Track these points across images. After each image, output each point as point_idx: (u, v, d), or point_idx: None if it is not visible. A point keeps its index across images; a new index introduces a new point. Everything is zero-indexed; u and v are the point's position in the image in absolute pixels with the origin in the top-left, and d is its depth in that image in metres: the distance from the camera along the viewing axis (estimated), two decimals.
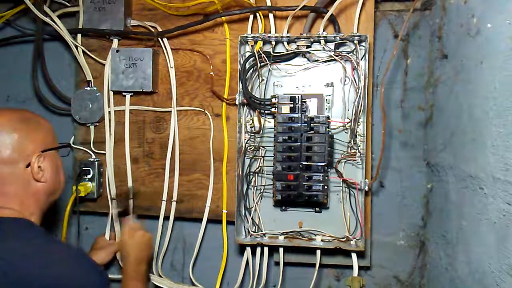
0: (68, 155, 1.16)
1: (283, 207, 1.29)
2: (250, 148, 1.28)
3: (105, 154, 1.41)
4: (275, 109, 1.21)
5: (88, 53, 1.42)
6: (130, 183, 1.40)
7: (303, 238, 1.26)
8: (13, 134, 0.95)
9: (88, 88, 1.42)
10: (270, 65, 1.25)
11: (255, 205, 1.29)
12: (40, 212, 1.00)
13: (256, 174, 1.29)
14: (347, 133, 1.24)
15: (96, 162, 1.40)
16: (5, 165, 0.94)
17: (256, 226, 1.29)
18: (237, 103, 1.25)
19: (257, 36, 1.24)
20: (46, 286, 0.82)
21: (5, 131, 0.95)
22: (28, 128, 0.99)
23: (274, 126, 1.22)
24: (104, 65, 1.40)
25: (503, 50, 0.83)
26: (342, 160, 1.24)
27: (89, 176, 1.39)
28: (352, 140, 1.22)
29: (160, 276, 1.42)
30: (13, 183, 0.95)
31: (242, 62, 1.24)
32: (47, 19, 1.39)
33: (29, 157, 0.97)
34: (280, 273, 1.30)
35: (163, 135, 1.41)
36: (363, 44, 1.21)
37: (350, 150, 1.23)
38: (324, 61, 1.25)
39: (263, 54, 1.23)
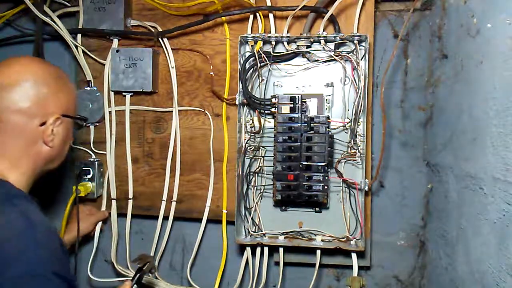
0: (79, 129, 1.09)
1: (283, 207, 1.29)
2: (250, 148, 1.28)
3: (105, 154, 1.41)
4: (275, 109, 1.21)
5: (88, 53, 1.42)
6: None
7: (303, 238, 1.26)
8: (41, 87, 0.90)
9: (88, 88, 1.42)
10: (270, 65, 1.25)
11: (255, 205, 1.29)
12: (31, 176, 0.93)
13: (256, 174, 1.29)
14: (347, 133, 1.24)
15: (96, 162, 1.40)
16: (20, 115, 0.88)
17: (256, 226, 1.29)
18: (237, 103, 1.25)
19: (257, 36, 1.24)
20: None
21: (34, 81, 0.89)
22: (57, 86, 0.93)
23: (274, 126, 1.22)
24: (104, 65, 1.40)
25: (503, 50, 0.83)
26: (342, 160, 1.24)
27: (89, 176, 1.39)
28: (352, 140, 1.22)
29: (156, 278, 1.41)
30: (19, 137, 0.89)
31: (242, 62, 1.24)
32: (47, 19, 1.39)
33: (47, 116, 0.91)
34: (280, 273, 1.30)
35: (163, 135, 1.41)
36: (363, 44, 1.21)
37: (350, 150, 1.23)
38: (324, 61, 1.25)
39: (263, 54, 1.23)
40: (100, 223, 1.43)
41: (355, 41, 1.20)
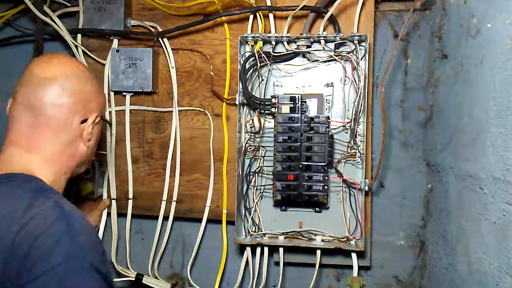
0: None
1: (283, 207, 1.29)
2: (250, 148, 1.28)
3: (105, 154, 1.41)
4: (275, 109, 1.21)
5: (88, 53, 1.42)
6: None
7: (303, 238, 1.26)
8: (85, 83, 0.89)
9: None
10: (270, 65, 1.25)
11: (255, 205, 1.28)
12: (62, 178, 0.89)
13: (256, 174, 1.29)
14: (347, 133, 1.24)
15: (96, 162, 1.40)
16: (63, 110, 0.86)
17: (256, 226, 1.29)
18: (237, 103, 1.25)
19: (257, 36, 1.24)
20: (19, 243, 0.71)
21: (78, 76, 0.88)
22: (98, 85, 0.94)
23: (274, 126, 1.22)
24: (104, 65, 1.40)
25: (503, 50, 0.83)
26: (342, 160, 1.24)
27: (89, 176, 1.39)
28: (352, 140, 1.22)
29: (156, 278, 1.41)
30: (59, 133, 0.86)
31: (242, 62, 1.24)
32: (47, 19, 1.39)
33: (88, 113, 0.89)
34: (280, 273, 1.30)
35: (163, 135, 1.41)
36: (363, 44, 1.21)
37: (350, 150, 1.23)
38: (324, 61, 1.25)
39: (263, 54, 1.23)
40: (104, 220, 1.42)
41: (355, 41, 1.20)
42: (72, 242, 0.73)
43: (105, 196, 1.42)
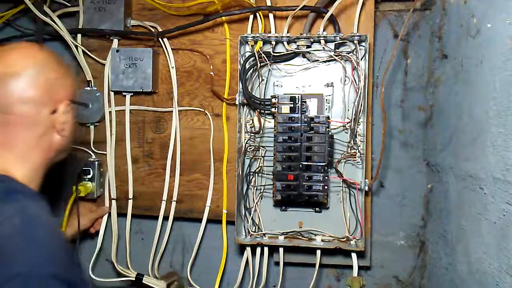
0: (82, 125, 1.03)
1: (283, 207, 1.29)
2: (250, 148, 1.28)
3: (105, 154, 1.41)
4: (275, 109, 1.21)
5: (88, 53, 1.42)
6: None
7: (303, 238, 1.26)
8: (49, 72, 0.85)
9: (88, 88, 1.42)
10: (270, 65, 1.25)
11: (255, 205, 1.28)
12: (40, 170, 0.87)
13: (256, 174, 1.29)
14: (347, 133, 1.24)
15: (96, 162, 1.40)
16: (30, 105, 0.82)
17: (256, 226, 1.29)
18: (237, 103, 1.25)
19: (257, 36, 1.24)
20: None
21: (40, 66, 0.84)
22: (63, 71, 0.89)
23: (274, 126, 1.22)
24: (104, 65, 1.40)
25: (503, 50, 0.83)
26: (342, 160, 1.24)
27: (89, 176, 1.39)
28: (352, 140, 1.22)
29: (156, 278, 1.41)
30: (30, 129, 0.83)
31: (242, 62, 1.24)
32: (47, 19, 1.39)
33: (57, 103, 0.85)
34: (280, 273, 1.30)
35: (163, 135, 1.41)
36: (363, 44, 1.21)
37: (350, 150, 1.23)
38: (324, 61, 1.25)
39: (263, 54, 1.23)
40: (104, 222, 1.43)
41: (355, 41, 1.20)
42: (35, 251, 0.71)
43: (106, 196, 1.42)
